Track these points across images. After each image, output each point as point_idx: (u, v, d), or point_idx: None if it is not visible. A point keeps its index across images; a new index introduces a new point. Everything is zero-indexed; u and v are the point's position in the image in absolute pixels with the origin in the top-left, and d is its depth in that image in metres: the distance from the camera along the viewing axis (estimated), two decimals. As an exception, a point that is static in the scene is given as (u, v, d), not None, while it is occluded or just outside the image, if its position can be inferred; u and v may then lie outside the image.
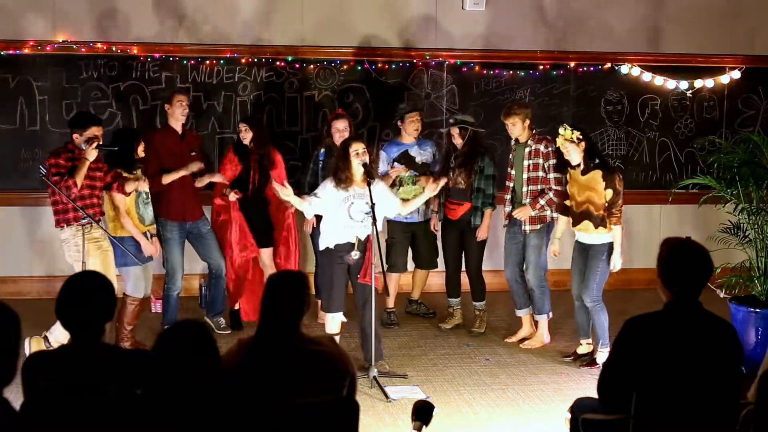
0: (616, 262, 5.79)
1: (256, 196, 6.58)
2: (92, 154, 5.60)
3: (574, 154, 5.81)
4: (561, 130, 5.84)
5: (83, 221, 5.63)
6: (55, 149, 5.91)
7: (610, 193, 5.72)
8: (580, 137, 5.77)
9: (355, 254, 5.61)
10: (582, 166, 5.82)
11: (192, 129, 7.08)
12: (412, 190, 6.63)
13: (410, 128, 6.78)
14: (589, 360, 5.99)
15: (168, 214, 6.37)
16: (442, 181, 5.91)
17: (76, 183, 5.54)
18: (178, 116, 6.46)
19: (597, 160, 5.82)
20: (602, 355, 5.92)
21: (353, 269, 5.69)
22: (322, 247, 5.72)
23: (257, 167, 6.53)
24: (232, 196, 6.46)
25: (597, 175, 5.75)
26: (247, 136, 6.52)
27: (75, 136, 5.72)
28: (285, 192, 5.61)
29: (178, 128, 6.50)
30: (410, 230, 6.92)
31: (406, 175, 6.70)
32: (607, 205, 5.73)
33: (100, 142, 5.70)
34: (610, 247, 5.80)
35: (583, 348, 6.07)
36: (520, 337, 6.55)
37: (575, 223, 5.91)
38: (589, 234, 5.82)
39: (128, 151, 5.91)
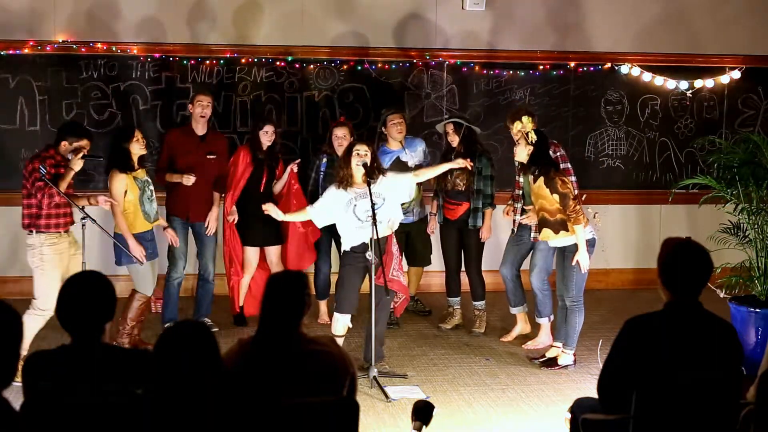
0: (582, 263, 5.73)
1: (266, 193, 6.58)
2: (78, 164, 5.55)
3: (521, 151, 5.80)
4: (524, 120, 5.90)
5: (84, 220, 5.58)
6: (36, 153, 5.82)
7: (556, 197, 5.69)
8: (534, 140, 5.73)
9: (369, 256, 5.56)
10: (531, 173, 5.81)
11: (217, 132, 7.00)
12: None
13: (393, 131, 6.70)
14: (548, 360, 5.98)
15: (173, 209, 6.49)
16: (465, 162, 5.93)
17: (59, 192, 5.48)
18: (196, 117, 6.51)
19: (541, 166, 5.75)
20: (565, 357, 5.92)
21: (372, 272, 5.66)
22: (342, 251, 5.74)
23: (267, 167, 6.58)
24: (230, 218, 6.56)
25: (541, 182, 5.75)
26: (272, 138, 6.55)
27: (64, 143, 5.65)
28: (278, 216, 5.74)
29: (198, 129, 6.53)
30: (405, 230, 6.89)
31: None
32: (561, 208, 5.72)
33: (86, 153, 5.62)
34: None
35: (554, 351, 6.05)
36: (515, 334, 6.57)
37: (538, 231, 5.97)
38: (554, 239, 5.82)
39: (121, 151, 5.89)
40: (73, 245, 5.77)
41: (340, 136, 6.53)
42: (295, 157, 7.13)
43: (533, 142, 5.73)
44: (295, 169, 6.60)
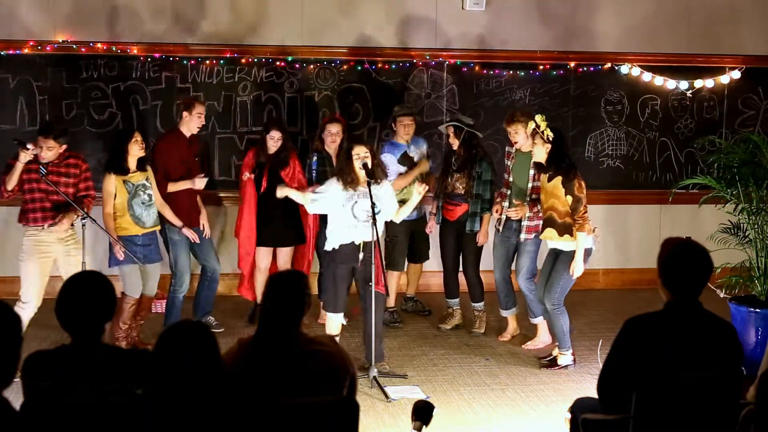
0: (575, 269, 5.71)
1: (267, 195, 6.56)
2: (22, 157, 5.55)
3: (539, 151, 5.77)
4: (538, 119, 5.79)
5: (84, 220, 5.62)
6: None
7: (570, 199, 5.68)
8: (550, 137, 5.72)
9: (360, 256, 5.62)
10: (548, 172, 5.78)
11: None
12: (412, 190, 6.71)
13: (401, 130, 6.78)
14: (549, 362, 5.99)
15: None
16: (424, 188, 5.80)
17: (5, 183, 5.61)
18: (193, 127, 6.45)
19: (562, 166, 5.74)
20: (564, 358, 5.93)
21: (359, 273, 5.68)
22: (327, 248, 5.71)
23: (268, 170, 6.53)
24: (245, 176, 6.52)
25: (558, 181, 5.73)
26: (278, 143, 6.50)
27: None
28: (283, 191, 5.69)
29: (187, 133, 6.48)
30: (410, 228, 6.94)
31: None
32: (570, 211, 5.71)
33: (30, 149, 5.56)
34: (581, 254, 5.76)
35: (557, 350, 6.04)
36: (510, 334, 6.60)
37: (540, 231, 5.96)
38: (555, 241, 5.81)
39: (118, 152, 5.89)
40: (65, 243, 5.75)
41: (334, 133, 6.57)
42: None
43: (550, 139, 5.71)
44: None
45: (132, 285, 5.94)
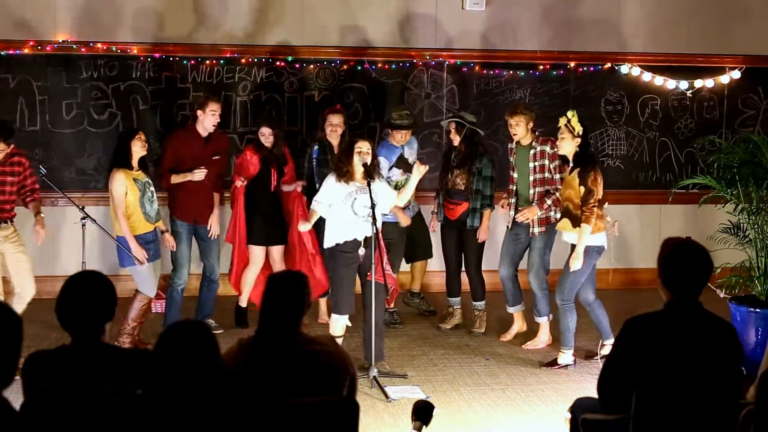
0: (574, 261, 5.73)
1: (273, 193, 6.59)
2: None
3: (567, 144, 5.80)
4: (569, 114, 5.82)
5: (83, 220, 5.65)
6: None
7: (582, 189, 5.70)
8: (580, 132, 5.75)
9: (361, 251, 5.62)
10: (570, 164, 5.83)
11: (218, 131, 6.80)
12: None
13: (397, 137, 6.76)
14: (550, 361, 6.00)
15: (179, 213, 6.44)
16: (424, 168, 5.77)
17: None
18: (208, 125, 6.44)
19: (584, 159, 5.77)
20: (564, 357, 5.94)
21: (363, 269, 5.69)
22: (327, 245, 5.72)
23: (276, 166, 6.57)
24: (239, 183, 6.47)
25: (577, 173, 5.76)
26: (270, 140, 6.53)
27: None
28: (304, 226, 5.76)
29: (203, 131, 6.47)
30: (405, 229, 6.92)
31: (402, 179, 6.72)
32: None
33: None
34: (590, 248, 5.75)
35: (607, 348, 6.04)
36: (513, 333, 6.59)
37: (558, 221, 6.00)
38: (568, 232, 5.84)
39: (123, 148, 5.90)
40: (10, 241, 5.76)
41: (336, 124, 6.61)
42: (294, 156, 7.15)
43: (580, 134, 5.73)
44: (299, 189, 6.59)
45: (148, 284, 5.98)
